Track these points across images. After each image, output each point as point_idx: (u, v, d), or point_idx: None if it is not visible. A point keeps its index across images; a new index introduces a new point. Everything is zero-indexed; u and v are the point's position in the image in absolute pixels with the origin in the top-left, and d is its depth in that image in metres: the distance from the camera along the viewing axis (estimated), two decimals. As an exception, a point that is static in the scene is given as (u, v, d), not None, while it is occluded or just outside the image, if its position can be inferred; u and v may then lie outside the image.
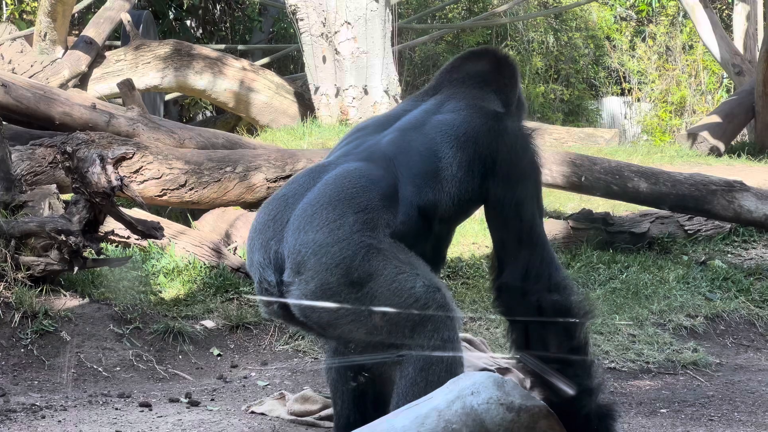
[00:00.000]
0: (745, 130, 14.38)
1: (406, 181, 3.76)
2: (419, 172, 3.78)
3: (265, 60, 14.91)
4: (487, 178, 3.79)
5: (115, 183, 6.30)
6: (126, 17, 11.76)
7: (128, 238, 7.38)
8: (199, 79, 11.87)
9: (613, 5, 20.44)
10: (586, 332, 3.82)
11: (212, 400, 4.85)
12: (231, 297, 6.70)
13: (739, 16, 15.01)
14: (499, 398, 3.20)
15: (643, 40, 20.17)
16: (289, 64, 18.03)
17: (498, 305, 3.85)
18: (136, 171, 7.53)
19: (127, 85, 8.99)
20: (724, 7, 19.13)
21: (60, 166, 6.71)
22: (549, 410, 3.26)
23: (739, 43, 14.46)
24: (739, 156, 11.82)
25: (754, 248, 7.98)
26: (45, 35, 11.09)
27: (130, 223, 6.76)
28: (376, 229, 3.64)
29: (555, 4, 20.02)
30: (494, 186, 3.80)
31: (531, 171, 3.87)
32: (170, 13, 17.14)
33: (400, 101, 11.50)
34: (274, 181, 7.65)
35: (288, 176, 7.56)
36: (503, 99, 4.07)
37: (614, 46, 20.52)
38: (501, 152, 3.82)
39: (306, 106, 11.99)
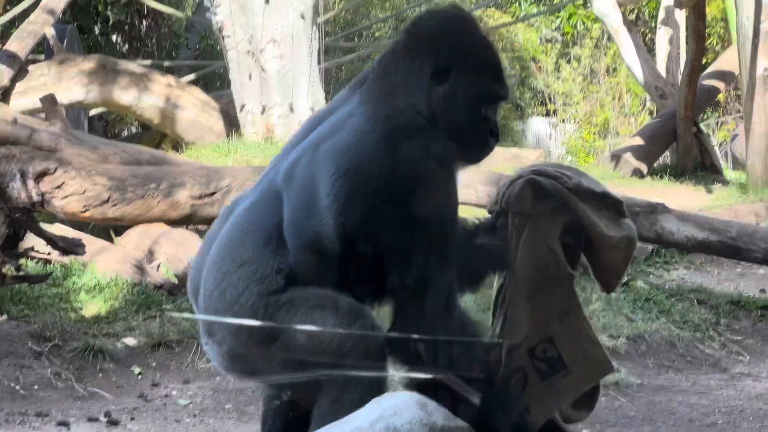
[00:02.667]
0: (667, 152, 14.81)
1: (289, 217, 3.43)
2: (301, 207, 3.42)
3: (192, 76, 14.98)
4: (368, 214, 3.27)
5: (36, 198, 6.75)
6: (50, 31, 11.79)
7: (49, 254, 7.25)
8: (125, 95, 11.92)
9: (538, 27, 20.90)
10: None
11: (132, 419, 4.83)
12: (153, 314, 6.66)
13: (662, 39, 15.39)
14: (421, 419, 3.17)
15: (569, 62, 20.58)
16: (216, 81, 18.06)
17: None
18: (58, 186, 7.49)
19: (49, 100, 9.02)
20: (648, 30, 19.61)
21: None
22: (471, 430, 3.27)
23: (661, 66, 14.87)
24: (661, 178, 12.14)
25: (675, 269, 8.17)
26: (-34, 49, 11.10)
27: (51, 240, 6.82)
28: (265, 279, 3.42)
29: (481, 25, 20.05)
30: (376, 224, 3.28)
31: (424, 205, 3.23)
32: (96, 28, 17.19)
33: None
34: (199, 198, 7.68)
35: (212, 193, 7.68)
36: (430, 92, 3.28)
37: (540, 67, 20.85)
38: (388, 183, 3.23)
39: (232, 124, 12.10)
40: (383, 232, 3.24)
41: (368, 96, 3.41)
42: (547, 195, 3.47)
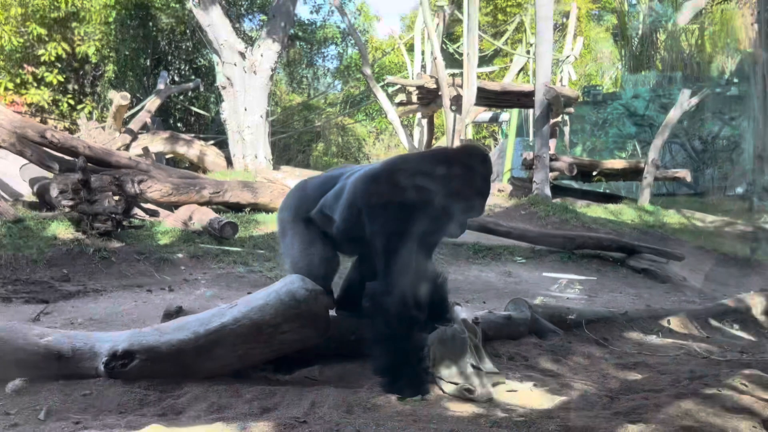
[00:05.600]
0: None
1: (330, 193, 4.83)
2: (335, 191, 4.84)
3: None
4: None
5: (137, 191, 10.54)
6: None
7: (143, 218, 10.61)
8: None
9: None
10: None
11: None
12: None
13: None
14: (302, 285, 4.31)
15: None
16: None
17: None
18: (148, 186, 11.04)
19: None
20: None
21: (114, 183, 10.26)
22: (324, 292, 4.35)
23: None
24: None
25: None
26: None
27: (144, 209, 10.66)
28: (300, 207, 4.92)
29: None
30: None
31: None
32: None
33: None
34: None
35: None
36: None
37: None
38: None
39: None
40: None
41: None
42: None
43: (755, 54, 20.93)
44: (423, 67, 20.65)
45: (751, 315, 7.27)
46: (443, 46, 20.55)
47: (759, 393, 4.22)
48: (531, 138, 22.40)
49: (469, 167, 4.48)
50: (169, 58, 24.99)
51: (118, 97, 16.85)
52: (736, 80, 25.20)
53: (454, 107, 18.36)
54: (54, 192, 10.25)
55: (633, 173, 19.08)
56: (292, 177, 14.87)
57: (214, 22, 18.74)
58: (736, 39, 26.92)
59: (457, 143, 16.68)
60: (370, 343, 4.43)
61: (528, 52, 22.83)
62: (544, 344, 5.75)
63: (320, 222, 4.77)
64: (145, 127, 19.55)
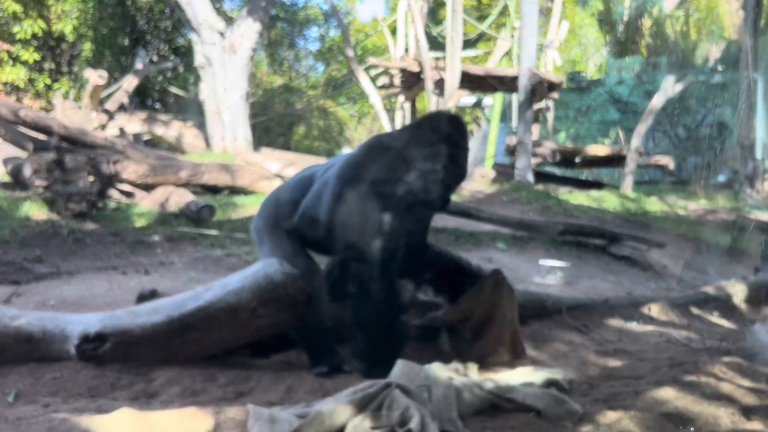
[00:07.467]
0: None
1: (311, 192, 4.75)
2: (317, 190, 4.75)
3: None
4: None
5: (113, 172, 10.74)
6: None
7: (119, 198, 10.94)
8: None
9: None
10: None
11: None
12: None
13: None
14: (279, 268, 4.30)
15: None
16: None
17: None
18: (123, 167, 11.11)
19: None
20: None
21: (89, 164, 10.48)
22: (301, 275, 4.32)
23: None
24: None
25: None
26: None
27: (120, 191, 11.05)
28: (277, 211, 4.81)
29: None
30: None
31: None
32: None
33: None
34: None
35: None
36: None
37: None
38: None
39: None
40: None
41: None
42: None
43: (740, 41, 20.97)
44: (406, 49, 20.63)
45: (732, 303, 7.30)
46: (427, 28, 20.51)
47: (738, 380, 4.25)
48: (514, 123, 22.42)
49: (441, 132, 4.49)
50: (148, 37, 24.93)
51: (95, 76, 16.82)
52: (720, 68, 25.27)
53: (437, 91, 18.41)
54: (27, 172, 10.39)
55: (616, 160, 19.14)
56: (271, 160, 15.19)
57: (193, 1, 18.65)
58: (721, 26, 27.00)
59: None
60: (353, 327, 4.48)
61: (512, 36, 22.83)
62: (524, 331, 5.79)
63: (305, 227, 4.69)
64: (122, 107, 19.54)
